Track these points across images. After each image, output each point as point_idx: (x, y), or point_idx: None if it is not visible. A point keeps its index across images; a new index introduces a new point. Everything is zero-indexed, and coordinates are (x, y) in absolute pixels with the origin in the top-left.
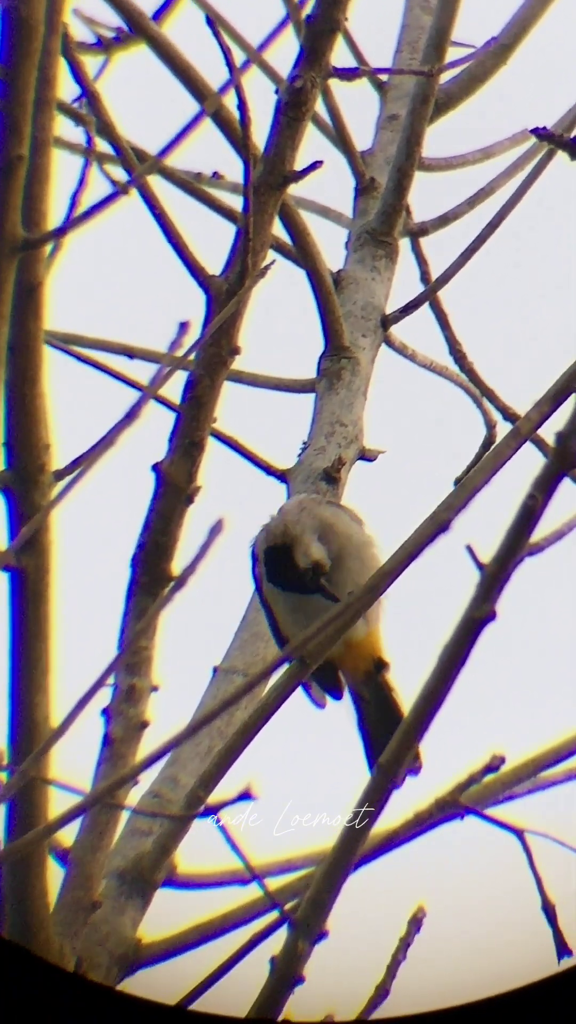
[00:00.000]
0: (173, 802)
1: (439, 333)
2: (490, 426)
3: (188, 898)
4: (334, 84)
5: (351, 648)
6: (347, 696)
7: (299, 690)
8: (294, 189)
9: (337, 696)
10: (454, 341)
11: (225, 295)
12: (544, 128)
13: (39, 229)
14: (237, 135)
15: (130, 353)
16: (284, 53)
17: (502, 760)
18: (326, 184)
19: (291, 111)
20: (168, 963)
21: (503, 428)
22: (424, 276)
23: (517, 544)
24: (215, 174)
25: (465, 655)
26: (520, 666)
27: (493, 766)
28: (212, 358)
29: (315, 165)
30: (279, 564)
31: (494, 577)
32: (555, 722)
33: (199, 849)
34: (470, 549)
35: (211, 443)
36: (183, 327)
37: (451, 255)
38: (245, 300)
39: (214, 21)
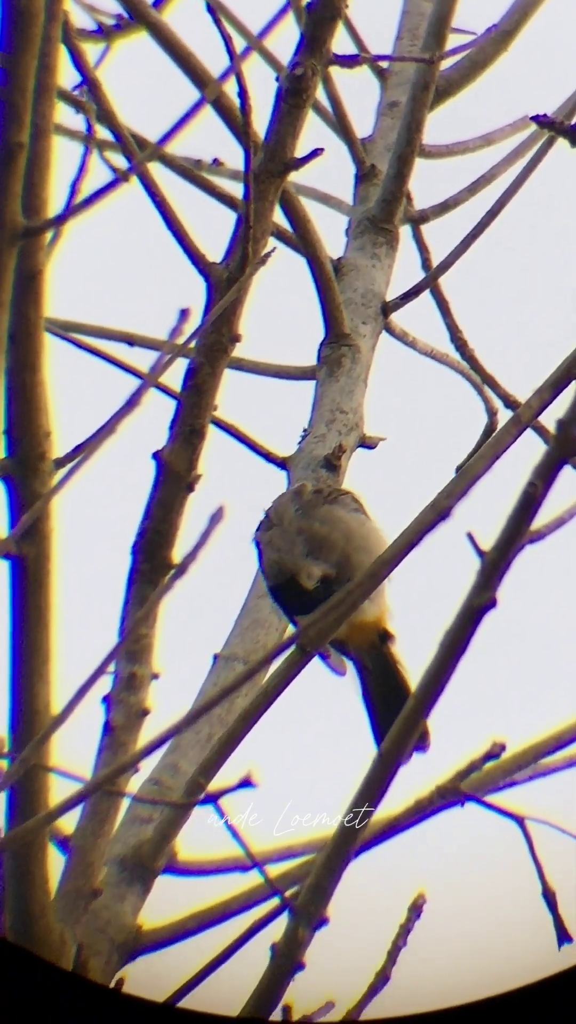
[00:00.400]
0: (173, 789)
1: (440, 320)
2: (491, 413)
3: (189, 885)
4: (334, 71)
5: (361, 626)
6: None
7: (303, 672)
8: (294, 176)
9: (352, 659)
10: (455, 328)
11: (226, 283)
12: (545, 115)
13: (39, 217)
14: (238, 122)
15: (130, 340)
16: (285, 40)
17: (503, 747)
18: (326, 171)
19: (292, 98)
20: (169, 950)
21: (504, 415)
22: (425, 263)
23: (518, 532)
24: (215, 161)
25: (466, 643)
26: (521, 653)
27: (494, 753)
28: (213, 346)
29: (316, 152)
30: (290, 596)
31: (495, 565)
32: (555, 709)
33: (199, 836)
34: (471, 537)
35: (211, 431)
36: (183, 314)
37: (452, 242)
38: (246, 288)
39: (214, 8)
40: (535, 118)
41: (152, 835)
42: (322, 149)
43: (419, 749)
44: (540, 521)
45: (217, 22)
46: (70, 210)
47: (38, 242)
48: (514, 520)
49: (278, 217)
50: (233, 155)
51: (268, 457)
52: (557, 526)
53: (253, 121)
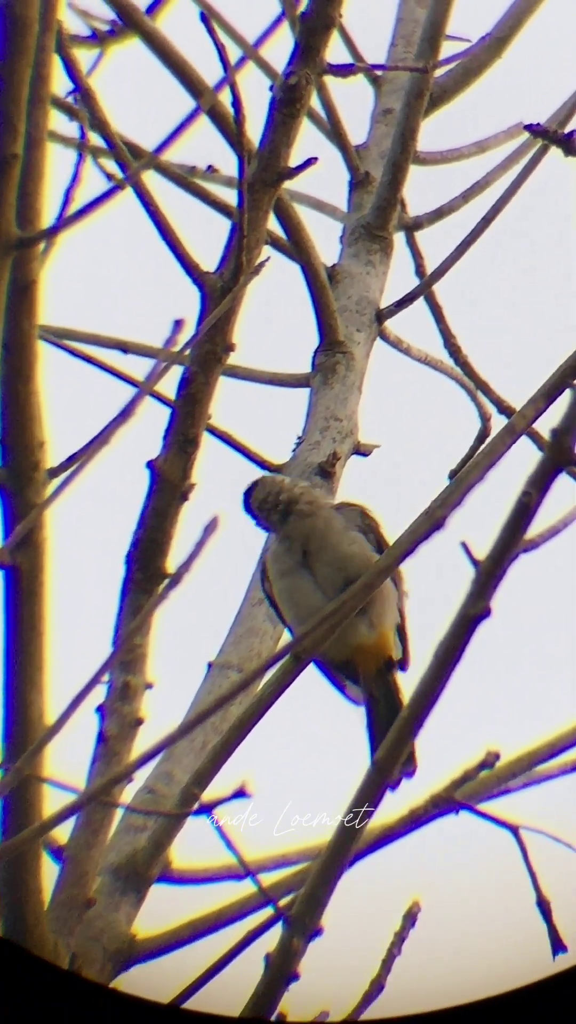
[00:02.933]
0: (167, 798)
1: (434, 327)
2: (485, 419)
3: (183, 894)
4: (329, 78)
5: (361, 650)
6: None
7: (297, 680)
8: (288, 183)
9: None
10: (449, 335)
11: (220, 292)
12: (538, 124)
13: (33, 227)
14: (232, 131)
15: (124, 348)
16: (279, 49)
17: (497, 756)
18: (320, 178)
19: (286, 107)
20: (163, 959)
21: (498, 421)
22: (419, 270)
23: (512, 541)
24: (209, 168)
25: (460, 652)
26: (515, 662)
27: (488, 762)
28: (207, 355)
29: (310, 162)
30: None
31: (489, 574)
32: (549, 717)
33: (193, 845)
34: (465, 546)
35: (206, 438)
36: (178, 324)
37: (446, 249)
38: (240, 297)
39: (208, 17)
40: (528, 127)
41: (146, 844)
42: (316, 159)
43: (407, 775)
44: (535, 530)
45: (211, 31)
46: (64, 221)
47: (32, 252)
48: (508, 529)
49: (272, 224)
50: (227, 162)
51: (262, 465)
52: (552, 535)
53: (248, 130)
